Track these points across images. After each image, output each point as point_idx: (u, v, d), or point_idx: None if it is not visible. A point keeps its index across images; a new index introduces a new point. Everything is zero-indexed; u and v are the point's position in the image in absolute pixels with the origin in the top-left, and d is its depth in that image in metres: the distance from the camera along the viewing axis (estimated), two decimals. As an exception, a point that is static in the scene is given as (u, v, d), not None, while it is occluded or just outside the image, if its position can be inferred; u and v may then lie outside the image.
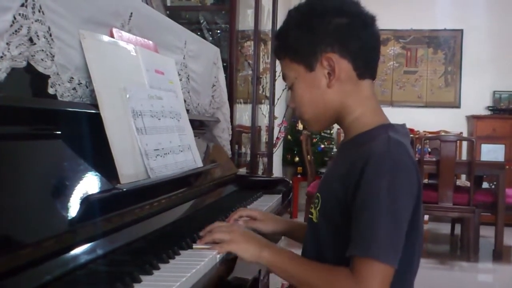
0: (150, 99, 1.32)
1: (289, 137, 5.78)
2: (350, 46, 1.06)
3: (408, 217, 0.98)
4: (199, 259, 1.01)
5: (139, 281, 0.86)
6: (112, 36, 1.29)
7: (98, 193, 1.04)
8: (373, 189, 0.95)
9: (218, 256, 1.07)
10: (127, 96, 1.21)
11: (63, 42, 1.08)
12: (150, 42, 1.48)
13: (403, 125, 1.11)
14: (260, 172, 3.66)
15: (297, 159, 5.72)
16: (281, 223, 1.38)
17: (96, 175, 1.08)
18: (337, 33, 1.06)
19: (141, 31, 1.43)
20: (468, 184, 4.36)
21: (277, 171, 5.06)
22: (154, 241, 1.15)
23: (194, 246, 1.11)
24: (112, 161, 1.11)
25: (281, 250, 1.09)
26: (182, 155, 1.41)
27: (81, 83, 1.14)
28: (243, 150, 3.62)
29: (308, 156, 4.64)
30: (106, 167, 1.10)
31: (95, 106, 1.12)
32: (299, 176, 5.74)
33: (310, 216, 1.14)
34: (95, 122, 1.10)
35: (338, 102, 1.09)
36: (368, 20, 1.09)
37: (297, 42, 1.09)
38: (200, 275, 0.97)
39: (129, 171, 1.14)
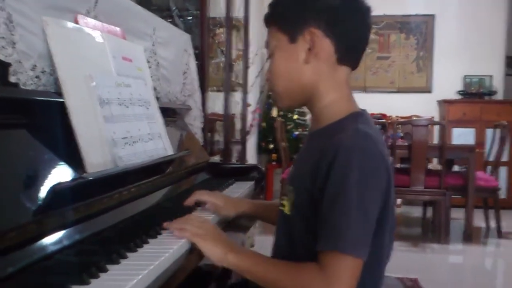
0: (117, 86, 1.30)
1: (263, 124, 5.78)
2: (336, 28, 1.06)
3: (377, 209, 0.98)
4: (168, 247, 1.00)
5: (106, 270, 0.85)
6: (77, 22, 1.27)
7: (63, 182, 1.02)
8: (342, 183, 0.95)
9: (188, 244, 1.07)
10: (93, 83, 1.19)
11: (25, 29, 1.06)
12: (117, 28, 1.45)
13: (365, 111, 1.12)
14: (234, 160, 3.66)
15: (271, 146, 5.73)
16: (244, 205, 1.39)
17: (62, 164, 1.06)
18: (327, 12, 1.06)
19: (107, 17, 1.40)
20: (439, 167, 4.43)
21: (252, 158, 5.06)
22: (123, 230, 1.14)
23: (164, 233, 1.11)
24: (78, 150, 1.10)
25: (247, 253, 1.09)
26: (151, 143, 1.40)
27: (44, 71, 1.12)
28: (217, 137, 3.61)
29: (283, 143, 4.65)
30: (72, 156, 1.09)
31: (60, 94, 1.10)
32: (274, 163, 5.76)
33: (281, 208, 1.14)
34: (60, 111, 1.09)
35: (312, 81, 1.09)
36: (362, 9, 1.08)
37: (286, 11, 1.09)
38: (169, 263, 0.96)
39: (96, 160, 1.13)
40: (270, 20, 1.13)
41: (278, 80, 1.12)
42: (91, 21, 1.32)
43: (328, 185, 0.96)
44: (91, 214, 1.08)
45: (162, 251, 0.98)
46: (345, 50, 1.08)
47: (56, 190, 0.96)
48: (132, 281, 0.81)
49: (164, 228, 1.12)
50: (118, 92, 1.29)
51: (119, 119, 1.25)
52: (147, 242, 1.04)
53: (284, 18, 1.09)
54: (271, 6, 1.14)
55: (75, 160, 1.09)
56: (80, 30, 1.25)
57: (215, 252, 1.06)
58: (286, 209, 1.11)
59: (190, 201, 1.35)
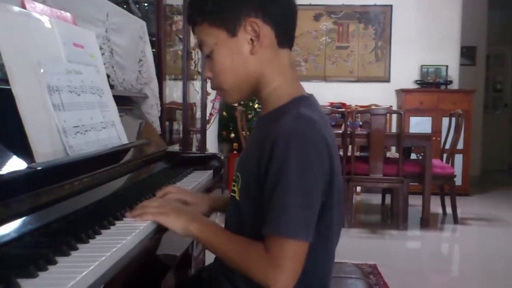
0: (68, 73, 1.26)
1: (224, 113, 5.76)
2: (273, 12, 1.06)
3: (319, 191, 0.99)
4: (121, 238, 0.98)
5: (55, 263, 0.82)
6: (24, 7, 1.22)
7: (10, 172, 0.98)
8: (281, 167, 0.95)
9: (143, 234, 1.05)
10: (42, 70, 1.15)
11: (-33, 13, 1.01)
12: (68, 14, 1.40)
13: (312, 95, 1.12)
14: (194, 149, 3.62)
15: (232, 135, 5.72)
16: (217, 201, 1.37)
17: (9, 154, 1.02)
18: None
19: (57, 2, 1.36)
20: (397, 155, 4.51)
21: (213, 147, 5.03)
22: (75, 221, 1.10)
23: (125, 219, 1.10)
24: (26, 139, 1.05)
25: (208, 223, 1.09)
26: (104, 132, 1.36)
27: (-11, 58, 1.07)
28: (176, 127, 3.56)
29: (243, 132, 4.65)
30: (20, 146, 1.05)
31: (6, 81, 1.06)
32: (235, 152, 5.75)
33: (233, 194, 1.14)
34: (7, 99, 1.04)
35: (259, 70, 1.08)
36: None
37: (218, 6, 1.06)
38: (122, 254, 0.94)
39: (45, 150, 1.09)
40: (199, 18, 1.08)
41: (225, 77, 1.09)
42: (39, 5, 1.27)
43: (270, 170, 0.97)
44: (40, 205, 1.04)
45: (115, 242, 0.95)
46: (283, 32, 1.08)
47: (2, 180, 0.92)
48: (82, 273, 0.78)
49: (118, 218, 1.10)
50: (68, 80, 1.24)
51: (69, 107, 1.21)
52: (99, 233, 1.01)
53: (218, 13, 1.06)
54: (195, 4, 1.11)
55: (23, 149, 1.05)
56: (27, 15, 1.20)
57: (179, 223, 1.07)
58: (237, 195, 1.11)
59: (161, 193, 1.31)
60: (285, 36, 1.09)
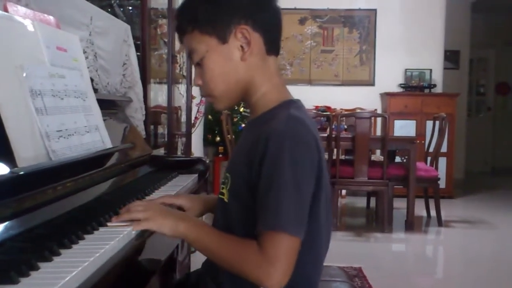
0: (51, 77, 1.25)
1: (209, 117, 5.75)
2: (261, 19, 1.08)
3: (311, 189, 1.01)
4: (104, 243, 0.97)
5: (37, 268, 0.81)
6: (6, 10, 1.21)
7: (-9, 177, 0.97)
8: (276, 165, 0.97)
9: (126, 238, 1.04)
10: (24, 74, 1.14)
11: None
12: (51, 17, 1.39)
13: (299, 100, 1.13)
14: (179, 153, 3.61)
15: (218, 138, 5.71)
16: (210, 202, 1.36)
17: (-10, 159, 1.01)
18: (250, 5, 1.07)
19: (40, 5, 1.35)
20: (382, 158, 4.53)
21: (198, 151, 5.02)
22: (58, 226, 1.09)
23: (109, 224, 1.08)
24: (8, 144, 1.04)
25: (197, 223, 1.09)
26: (88, 136, 1.35)
27: (-30, 61, 1.06)
28: (161, 130, 3.55)
29: (229, 136, 4.64)
30: (1, 150, 1.03)
31: (-13, 85, 1.05)
32: (220, 155, 5.74)
33: (221, 196, 1.14)
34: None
35: (248, 77, 1.10)
36: None
37: (208, 14, 1.07)
38: (105, 259, 0.93)
39: (28, 154, 1.08)
40: (190, 26, 1.09)
41: (215, 84, 1.11)
42: (21, 9, 1.26)
43: (263, 170, 0.98)
44: (23, 210, 1.03)
45: (98, 247, 0.94)
46: (271, 39, 1.11)
47: (-17, 186, 0.91)
48: (64, 278, 0.77)
49: (102, 223, 1.09)
50: (51, 83, 1.23)
51: (52, 111, 1.20)
52: (83, 238, 1.00)
53: (209, 21, 1.07)
54: (184, 13, 1.11)
55: (5, 154, 1.03)
56: (9, 19, 1.19)
57: (166, 224, 1.07)
58: (225, 197, 1.11)
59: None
60: (273, 43, 1.12)
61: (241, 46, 1.07)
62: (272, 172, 0.97)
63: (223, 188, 1.13)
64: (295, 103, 1.10)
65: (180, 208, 1.29)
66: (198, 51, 1.09)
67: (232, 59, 1.08)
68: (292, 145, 0.98)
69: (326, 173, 1.07)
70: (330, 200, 1.12)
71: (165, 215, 1.09)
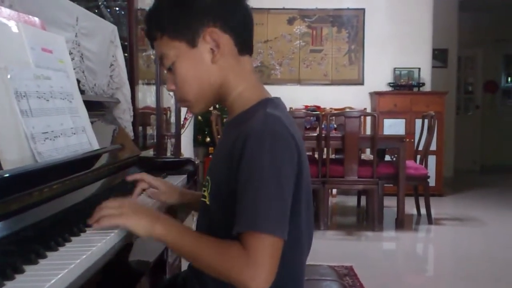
0: (36, 79, 1.24)
1: (199, 117, 5.74)
2: (230, 21, 1.07)
3: (291, 187, 1.00)
4: (91, 245, 0.97)
5: (22, 271, 0.81)
6: (-11, 11, 1.19)
7: (-25, 180, 0.96)
8: (255, 164, 0.96)
9: (114, 240, 1.03)
10: (9, 76, 1.13)
11: None
12: (36, 18, 1.38)
13: (279, 98, 1.13)
14: (169, 154, 3.59)
15: (208, 139, 5.70)
16: (186, 194, 1.38)
17: (-25, 161, 1.00)
18: (217, 7, 1.07)
19: (24, 7, 1.34)
20: (371, 157, 4.55)
21: (188, 152, 5.00)
22: (44, 229, 1.08)
23: (88, 231, 1.06)
24: (-7, 146, 1.03)
25: (174, 223, 1.06)
26: (75, 137, 1.34)
27: (-47, 63, 1.05)
28: (150, 131, 3.53)
29: (219, 136, 4.64)
30: (-14, 152, 1.02)
31: (-29, 87, 1.04)
32: (210, 156, 5.72)
33: (203, 199, 1.13)
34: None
35: (222, 78, 1.10)
36: None
37: (175, 19, 1.06)
38: (92, 261, 0.92)
39: (13, 156, 1.07)
40: (158, 32, 1.09)
41: (188, 88, 1.10)
42: (5, 10, 1.25)
43: (242, 169, 0.97)
44: (8, 213, 1.02)
45: (85, 249, 0.94)
46: (242, 40, 1.10)
47: (-33, 189, 0.90)
48: (50, 281, 0.77)
49: (89, 225, 1.08)
50: (36, 85, 1.22)
51: (38, 113, 1.19)
52: (69, 241, 1.00)
53: (176, 27, 1.07)
54: (152, 19, 1.11)
55: (-11, 156, 1.03)
56: (-7, 20, 1.18)
57: (141, 225, 1.03)
58: (207, 200, 1.11)
59: (131, 177, 1.34)
60: (245, 43, 1.11)
61: (211, 49, 1.07)
62: (251, 170, 0.96)
63: (204, 191, 1.13)
64: (272, 101, 1.09)
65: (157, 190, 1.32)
66: (168, 57, 1.09)
67: (203, 63, 1.08)
68: (271, 143, 0.97)
69: (307, 172, 1.06)
70: (311, 199, 1.11)
71: (139, 215, 1.04)
